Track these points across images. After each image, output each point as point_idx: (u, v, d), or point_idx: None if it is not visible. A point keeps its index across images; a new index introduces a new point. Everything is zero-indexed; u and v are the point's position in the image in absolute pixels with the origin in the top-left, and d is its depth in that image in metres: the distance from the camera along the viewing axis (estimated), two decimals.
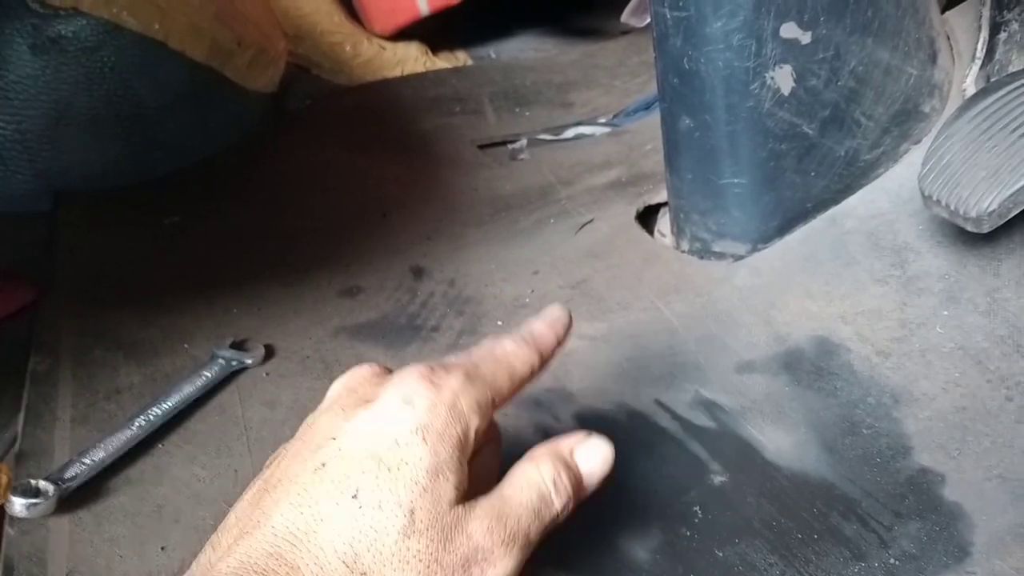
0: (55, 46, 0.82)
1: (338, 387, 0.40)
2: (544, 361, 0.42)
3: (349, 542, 0.33)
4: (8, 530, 0.49)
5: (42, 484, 0.49)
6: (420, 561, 0.34)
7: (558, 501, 0.39)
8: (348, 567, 0.33)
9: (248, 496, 0.37)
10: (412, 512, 0.34)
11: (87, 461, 0.52)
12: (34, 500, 0.48)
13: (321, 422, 0.38)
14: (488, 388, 0.39)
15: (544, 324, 0.43)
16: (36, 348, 0.65)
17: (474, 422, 0.38)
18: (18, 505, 0.48)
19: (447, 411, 0.37)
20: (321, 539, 0.33)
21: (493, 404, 0.39)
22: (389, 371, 0.41)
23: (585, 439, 0.41)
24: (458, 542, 0.35)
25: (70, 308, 0.70)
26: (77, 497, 0.51)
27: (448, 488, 0.36)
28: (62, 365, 0.63)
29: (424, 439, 0.36)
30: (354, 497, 0.34)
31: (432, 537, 0.34)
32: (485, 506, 0.37)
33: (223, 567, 0.32)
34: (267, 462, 0.40)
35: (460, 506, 0.36)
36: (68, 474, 0.51)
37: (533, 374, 0.42)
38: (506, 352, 0.41)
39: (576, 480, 0.40)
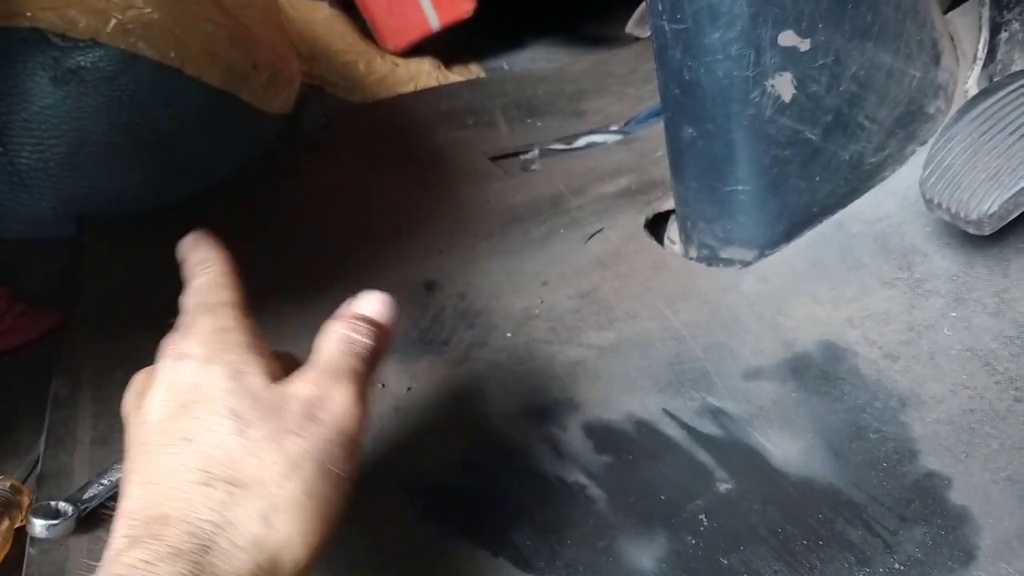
0: (75, 77, 0.84)
1: (127, 400, 0.41)
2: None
3: (199, 467, 0.35)
4: (30, 550, 0.50)
5: (62, 505, 0.51)
6: (266, 440, 0.36)
7: (362, 336, 0.42)
8: (208, 484, 0.34)
9: None
10: (234, 412, 0.36)
11: (105, 482, 0.53)
12: (54, 521, 0.50)
13: (131, 433, 0.39)
14: (221, 292, 0.42)
15: None
16: (58, 372, 0.66)
17: (240, 323, 0.41)
18: (38, 526, 0.50)
19: (214, 335, 0.39)
20: (174, 482, 0.34)
21: (240, 303, 0.42)
22: None
23: (353, 298, 0.45)
24: (289, 406, 0.37)
25: (92, 331, 0.72)
26: (96, 517, 0.52)
27: (254, 377, 0.38)
28: (83, 388, 0.64)
29: (210, 362, 0.38)
30: (185, 439, 0.36)
31: (264, 417, 0.36)
32: (301, 373, 0.39)
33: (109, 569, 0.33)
34: None
35: (277, 384, 0.38)
36: (87, 495, 0.52)
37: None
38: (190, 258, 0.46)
39: (367, 320, 0.43)
